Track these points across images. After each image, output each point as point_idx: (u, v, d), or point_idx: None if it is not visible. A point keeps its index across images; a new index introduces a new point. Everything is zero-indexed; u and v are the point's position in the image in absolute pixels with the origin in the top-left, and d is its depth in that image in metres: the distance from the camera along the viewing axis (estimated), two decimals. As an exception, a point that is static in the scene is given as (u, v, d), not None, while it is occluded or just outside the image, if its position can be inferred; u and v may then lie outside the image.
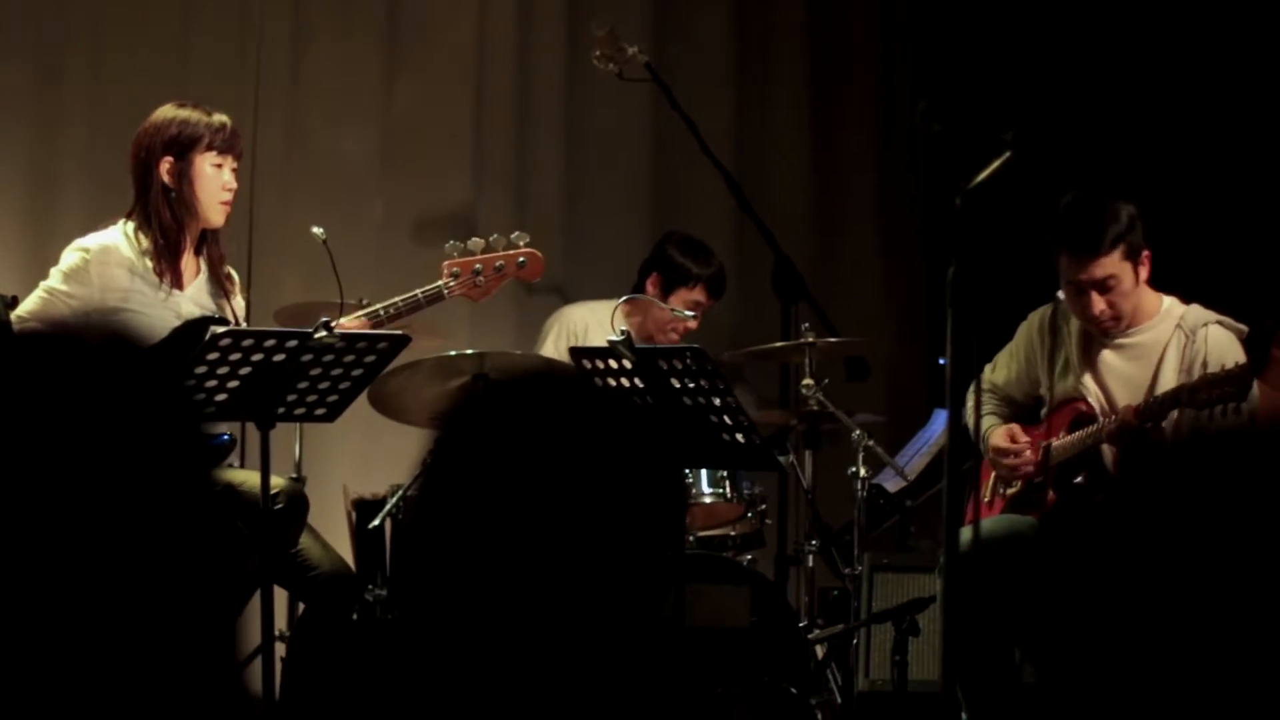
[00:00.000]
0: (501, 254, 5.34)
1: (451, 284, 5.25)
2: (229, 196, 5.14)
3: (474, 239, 5.32)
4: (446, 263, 5.27)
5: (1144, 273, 5.24)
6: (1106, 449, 5.25)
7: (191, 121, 5.13)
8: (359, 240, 6.82)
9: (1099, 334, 5.29)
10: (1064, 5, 7.77)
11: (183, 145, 5.10)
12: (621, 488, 1.71)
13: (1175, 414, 5.16)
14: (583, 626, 1.67)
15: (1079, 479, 5.29)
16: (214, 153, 5.11)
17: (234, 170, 5.16)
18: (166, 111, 5.18)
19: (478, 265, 5.29)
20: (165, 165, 5.09)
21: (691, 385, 5.25)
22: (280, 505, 4.90)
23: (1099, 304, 5.21)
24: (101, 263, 5.05)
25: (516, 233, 5.38)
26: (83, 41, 6.75)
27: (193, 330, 4.89)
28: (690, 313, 6.43)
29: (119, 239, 5.09)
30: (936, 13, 8.20)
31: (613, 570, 1.69)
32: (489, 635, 1.67)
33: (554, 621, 1.67)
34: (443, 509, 1.70)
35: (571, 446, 1.71)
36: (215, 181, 5.11)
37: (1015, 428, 5.44)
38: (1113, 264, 5.18)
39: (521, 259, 5.37)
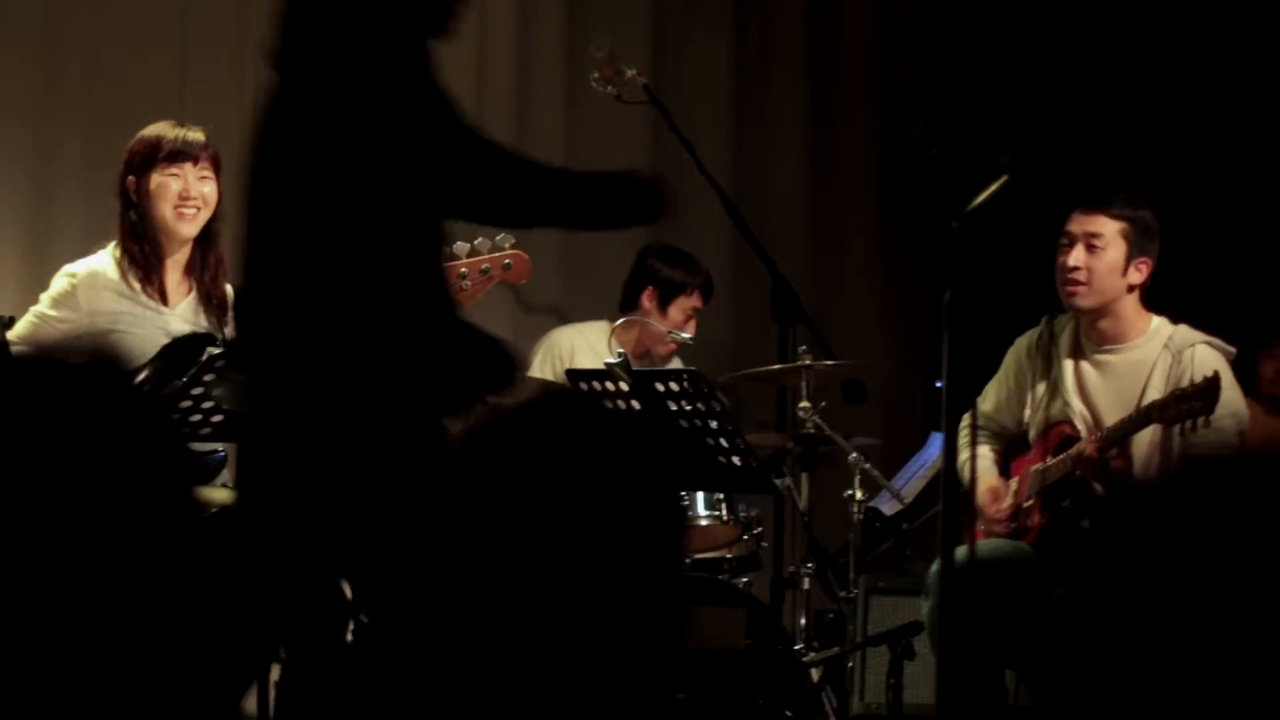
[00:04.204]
0: (486, 257, 5.36)
1: None
2: (187, 205, 5.10)
3: (459, 243, 5.34)
4: None
5: (1133, 274, 5.25)
6: None
7: (150, 138, 5.13)
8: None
9: (1064, 295, 5.29)
10: (1055, 30, 7.79)
11: (141, 163, 5.11)
12: (625, 509, 1.71)
13: (1154, 437, 5.16)
14: (585, 646, 1.67)
15: (1065, 503, 5.30)
16: (166, 163, 5.09)
17: (202, 178, 5.12)
18: (142, 131, 5.20)
19: (463, 269, 5.31)
20: (130, 183, 5.11)
21: (689, 408, 5.26)
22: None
23: (1076, 256, 5.23)
24: (89, 287, 5.06)
25: (501, 234, 5.40)
26: (79, 60, 6.75)
27: (183, 347, 4.88)
28: (687, 335, 6.46)
29: (106, 262, 5.11)
30: (934, 34, 8.21)
31: (616, 590, 1.69)
32: (490, 653, 1.67)
33: (556, 641, 1.67)
34: (458, 533, 1.71)
35: (578, 468, 1.71)
36: (171, 191, 5.09)
37: (999, 486, 5.44)
38: (1107, 227, 5.23)
39: (507, 261, 5.39)
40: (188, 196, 5.09)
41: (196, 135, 5.14)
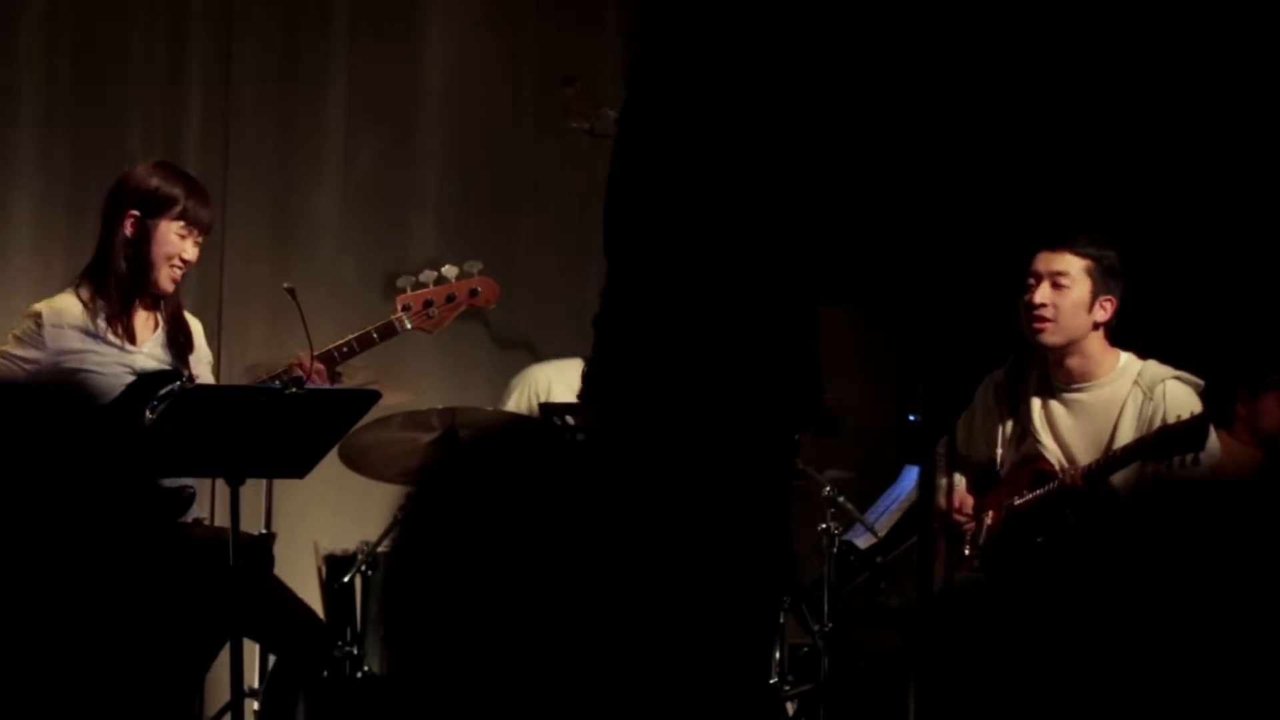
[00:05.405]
0: (453, 284, 5.37)
1: (404, 317, 5.27)
2: (182, 267, 5.12)
3: (426, 271, 5.35)
4: (399, 297, 5.31)
5: (1098, 311, 5.28)
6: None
7: (170, 189, 5.12)
8: (329, 295, 6.82)
9: (1030, 333, 5.32)
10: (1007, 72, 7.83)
11: (154, 205, 5.09)
12: (589, 539, 1.70)
13: (1130, 473, 5.18)
14: (559, 680, 1.67)
15: (1040, 538, 5.30)
16: (181, 223, 5.10)
17: (197, 244, 5.14)
18: (153, 169, 5.18)
19: (430, 297, 5.33)
20: (131, 219, 5.08)
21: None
22: (247, 560, 4.89)
23: (1042, 293, 5.27)
24: (55, 326, 5.04)
25: (469, 261, 5.41)
26: (43, 95, 6.73)
27: (149, 384, 4.87)
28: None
29: (72, 301, 5.09)
30: (894, 68, 8.23)
31: (598, 622, 1.68)
32: (472, 689, 1.66)
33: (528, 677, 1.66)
34: (418, 567, 1.70)
35: (539, 498, 1.71)
36: (174, 248, 5.10)
37: (968, 499, 5.47)
38: (1073, 265, 5.27)
39: (474, 288, 5.40)
40: (185, 259, 5.11)
41: (210, 203, 5.18)
